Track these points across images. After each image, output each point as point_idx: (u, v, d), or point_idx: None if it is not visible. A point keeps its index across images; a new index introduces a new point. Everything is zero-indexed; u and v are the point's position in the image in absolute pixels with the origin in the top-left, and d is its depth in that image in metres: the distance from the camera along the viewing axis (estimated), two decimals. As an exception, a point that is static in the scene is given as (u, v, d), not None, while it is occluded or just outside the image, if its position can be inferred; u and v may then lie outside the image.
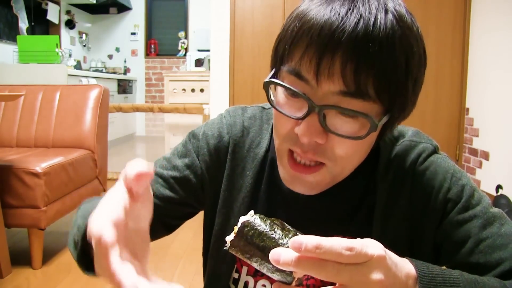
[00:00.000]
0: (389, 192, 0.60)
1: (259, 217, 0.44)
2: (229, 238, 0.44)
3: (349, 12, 0.46)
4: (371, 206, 0.61)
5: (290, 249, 0.38)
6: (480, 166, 3.21)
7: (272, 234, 0.42)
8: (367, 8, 0.47)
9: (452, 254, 0.58)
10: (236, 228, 0.44)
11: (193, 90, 3.98)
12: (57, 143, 2.42)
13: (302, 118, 0.50)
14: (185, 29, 6.90)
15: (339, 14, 0.46)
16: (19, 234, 2.34)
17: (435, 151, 0.63)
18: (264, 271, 0.43)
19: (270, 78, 0.54)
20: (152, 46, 7.02)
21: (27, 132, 2.45)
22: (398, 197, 0.60)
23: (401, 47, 0.48)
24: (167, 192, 0.66)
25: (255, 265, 0.43)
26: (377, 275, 0.39)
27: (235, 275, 0.67)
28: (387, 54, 0.47)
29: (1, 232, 1.80)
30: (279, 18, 3.48)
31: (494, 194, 2.77)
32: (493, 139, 3.06)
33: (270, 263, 0.40)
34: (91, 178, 2.39)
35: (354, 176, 0.60)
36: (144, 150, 6.25)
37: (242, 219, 0.44)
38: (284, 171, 0.57)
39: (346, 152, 0.52)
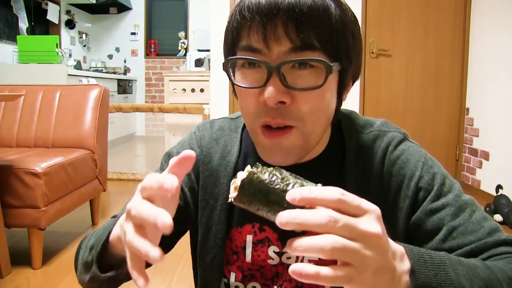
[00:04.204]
0: (359, 180, 0.62)
1: (257, 170, 0.44)
2: (232, 196, 0.45)
3: None
4: None
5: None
6: (480, 166, 3.21)
7: (274, 185, 0.43)
8: None
9: (426, 242, 0.60)
10: (236, 182, 0.44)
11: (193, 90, 3.98)
12: (57, 143, 2.42)
13: (265, 84, 0.54)
14: (185, 29, 6.90)
15: None
16: (19, 234, 2.34)
17: (404, 138, 0.65)
18: (273, 219, 0.42)
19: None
20: (152, 46, 7.03)
21: (27, 132, 2.45)
22: (369, 185, 0.62)
23: (332, 3, 0.54)
24: None
25: (265, 216, 0.43)
26: (375, 227, 0.39)
27: (225, 280, 0.69)
28: (322, 8, 0.53)
29: (1, 232, 1.80)
30: (279, 18, 3.48)
31: (494, 194, 2.77)
32: (493, 139, 3.06)
33: (278, 208, 0.40)
34: (91, 178, 2.40)
35: (324, 164, 0.63)
36: (144, 150, 6.25)
37: (241, 175, 0.45)
38: (261, 145, 0.59)
39: (311, 107, 0.55)
